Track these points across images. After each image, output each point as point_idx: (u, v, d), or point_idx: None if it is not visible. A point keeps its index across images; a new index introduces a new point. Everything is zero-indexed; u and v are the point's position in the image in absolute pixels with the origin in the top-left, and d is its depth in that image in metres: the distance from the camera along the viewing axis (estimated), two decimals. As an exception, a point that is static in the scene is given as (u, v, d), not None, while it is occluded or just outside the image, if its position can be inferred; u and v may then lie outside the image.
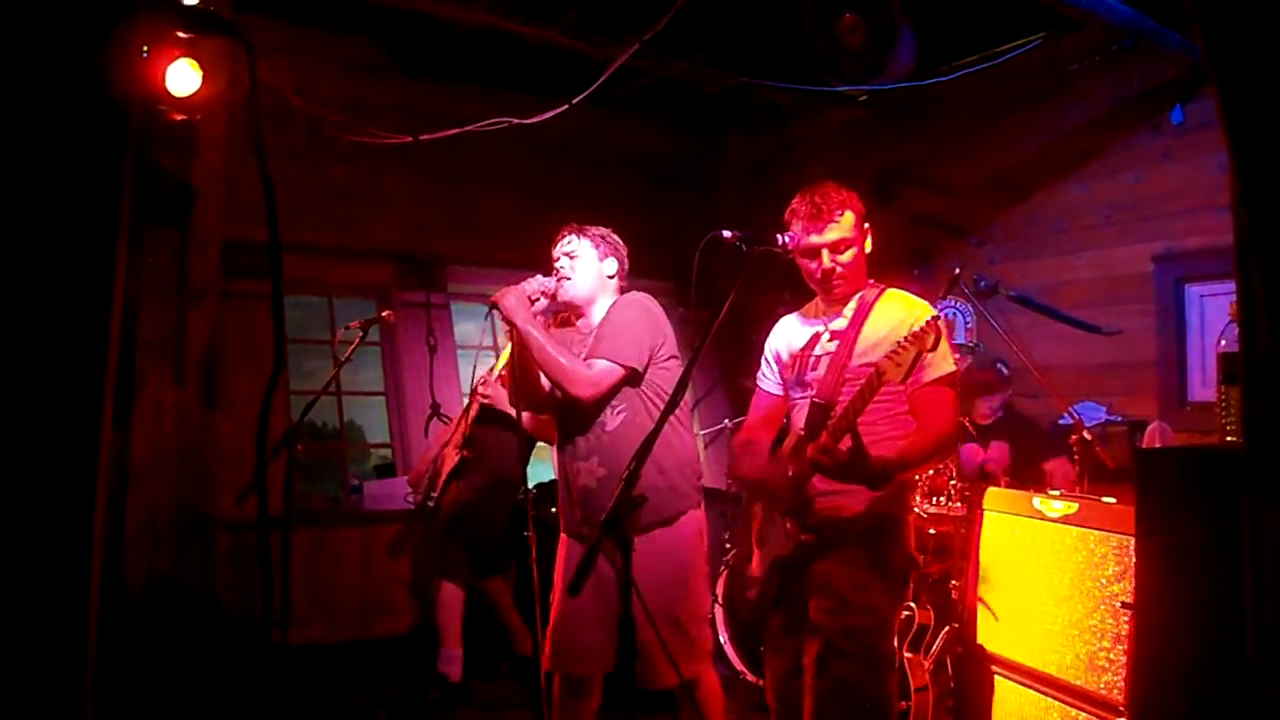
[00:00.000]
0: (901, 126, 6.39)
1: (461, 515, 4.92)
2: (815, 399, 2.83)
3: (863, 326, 2.84)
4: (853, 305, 2.90)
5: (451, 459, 5.03)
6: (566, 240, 3.56)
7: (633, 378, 3.24)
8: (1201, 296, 5.05)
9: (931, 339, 2.46)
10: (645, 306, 3.33)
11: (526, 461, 5.16)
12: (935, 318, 2.53)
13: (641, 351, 3.25)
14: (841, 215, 2.82)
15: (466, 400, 5.24)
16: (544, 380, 3.39)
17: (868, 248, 2.91)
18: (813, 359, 2.93)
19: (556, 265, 3.52)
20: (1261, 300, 0.92)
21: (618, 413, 3.26)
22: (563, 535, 3.45)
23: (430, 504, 5.06)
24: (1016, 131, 5.94)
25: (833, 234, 2.81)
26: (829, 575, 2.74)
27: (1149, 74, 5.19)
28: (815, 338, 2.95)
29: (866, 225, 2.90)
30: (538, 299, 3.35)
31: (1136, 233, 5.31)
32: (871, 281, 2.96)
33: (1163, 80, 5.11)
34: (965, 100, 5.91)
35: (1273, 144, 0.97)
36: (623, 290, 3.52)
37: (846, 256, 2.84)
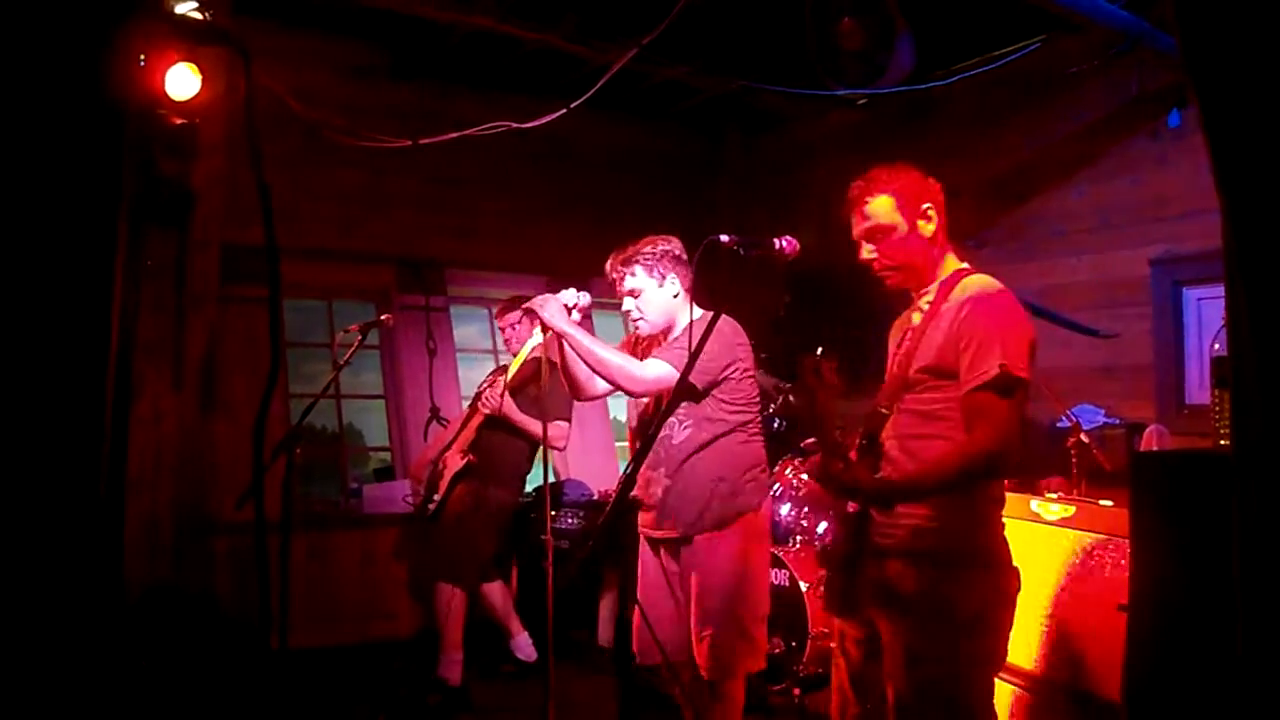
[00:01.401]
0: (900, 129, 6.39)
1: (465, 518, 4.92)
2: (877, 405, 2.63)
3: (932, 321, 2.56)
4: (931, 295, 2.62)
5: (455, 463, 5.04)
6: (620, 277, 3.52)
7: (690, 392, 3.27)
8: (1199, 299, 5.06)
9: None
10: (720, 327, 3.32)
11: (530, 466, 5.17)
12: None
13: (707, 371, 3.28)
14: (871, 201, 2.63)
15: (469, 405, 5.25)
16: (592, 383, 3.52)
17: (925, 230, 2.61)
18: (894, 359, 2.70)
19: (624, 310, 3.57)
20: (1245, 307, 0.93)
21: (684, 427, 3.39)
22: (641, 539, 3.61)
23: (432, 507, 5.07)
24: (1014, 135, 5.96)
25: (866, 223, 2.64)
26: (898, 624, 2.49)
27: (1147, 78, 5.21)
28: (903, 334, 2.71)
29: (926, 205, 2.62)
30: (573, 310, 3.40)
31: (1134, 236, 5.32)
32: (966, 266, 2.67)
33: (1161, 84, 5.13)
34: (964, 103, 5.92)
35: (1255, 161, 0.98)
36: (691, 291, 3.53)
37: (884, 240, 2.62)
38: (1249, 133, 0.98)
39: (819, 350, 2.48)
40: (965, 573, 2.46)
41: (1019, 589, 2.52)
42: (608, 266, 3.55)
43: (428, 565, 5.27)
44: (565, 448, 5.24)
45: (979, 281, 2.57)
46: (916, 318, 2.63)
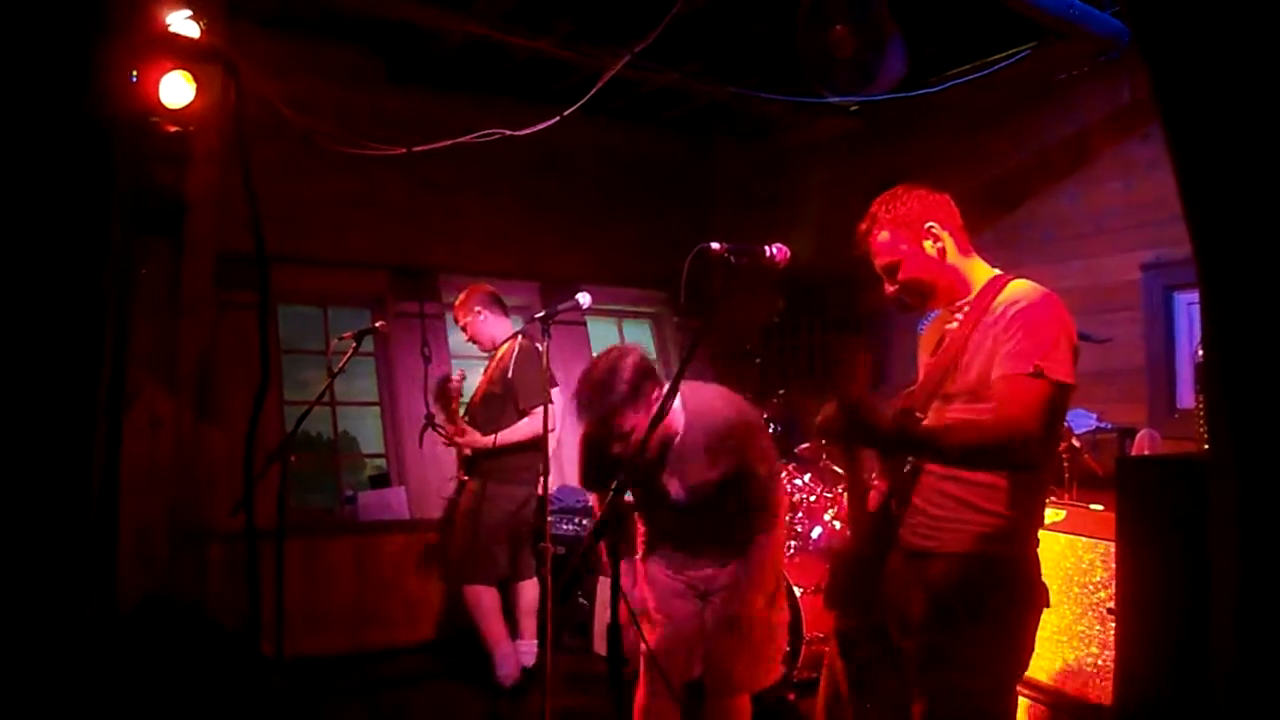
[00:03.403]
0: (892, 136, 6.42)
1: (477, 520, 4.89)
2: (912, 408, 2.56)
3: (974, 330, 2.49)
4: (969, 307, 2.55)
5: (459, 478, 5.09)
6: (617, 424, 3.23)
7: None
8: (1190, 304, 5.08)
9: None
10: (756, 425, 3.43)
11: (535, 452, 5.06)
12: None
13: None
14: (875, 239, 2.62)
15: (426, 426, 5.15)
16: None
17: (932, 250, 2.58)
18: (930, 365, 2.62)
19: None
20: (1211, 315, 0.95)
21: None
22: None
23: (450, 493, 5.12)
24: (1006, 141, 5.98)
25: (878, 260, 2.63)
26: (932, 629, 2.44)
27: (1138, 84, 5.23)
28: (939, 340, 2.64)
29: (929, 224, 2.57)
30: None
31: (1125, 241, 5.34)
32: (1000, 272, 2.61)
33: (1151, 90, 5.14)
34: (955, 110, 5.95)
35: (1215, 181, 1.00)
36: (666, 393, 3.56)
37: (900, 274, 2.60)
38: (1209, 137, 1.00)
39: (862, 349, 2.48)
40: (1003, 581, 2.44)
41: (1048, 604, 2.52)
42: (589, 415, 3.24)
43: (451, 572, 5.25)
44: (556, 427, 5.08)
45: (1021, 288, 2.51)
46: (954, 324, 2.58)
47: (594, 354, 7.26)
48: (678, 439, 3.25)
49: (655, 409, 2.85)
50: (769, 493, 3.29)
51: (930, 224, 2.58)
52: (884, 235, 2.60)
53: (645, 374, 3.16)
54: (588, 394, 3.17)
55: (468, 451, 5.00)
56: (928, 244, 2.58)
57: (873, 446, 2.54)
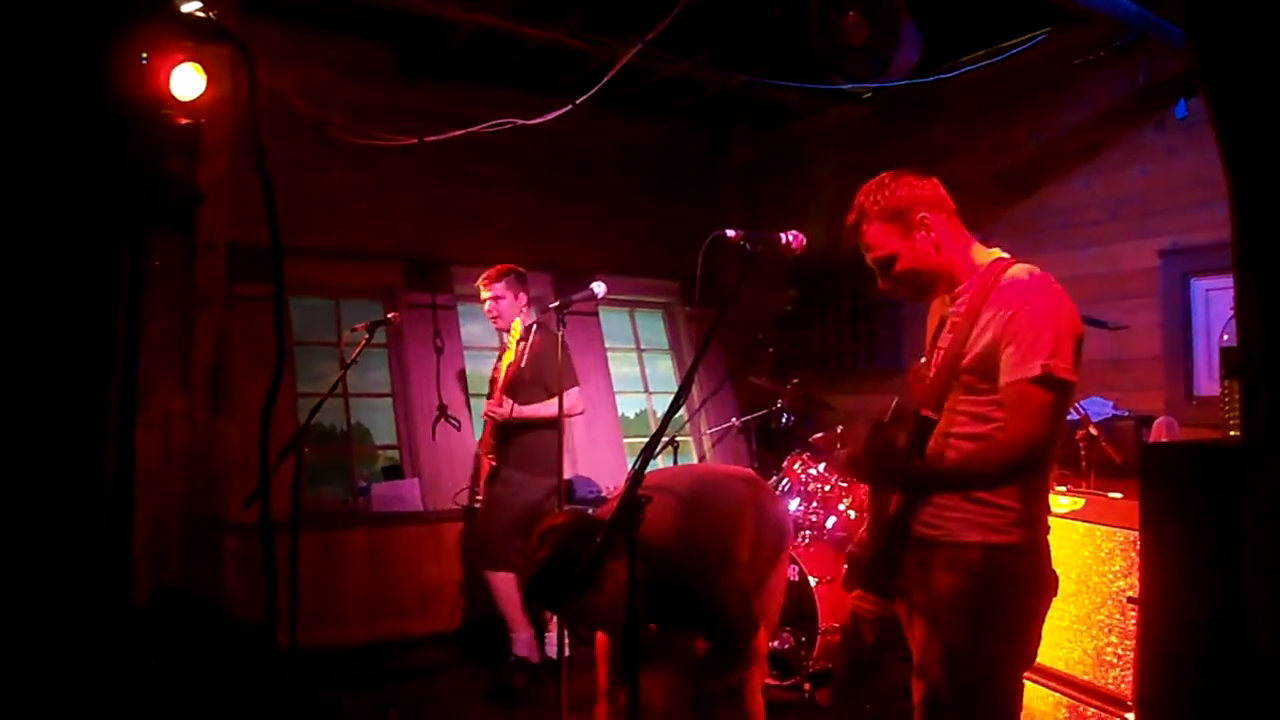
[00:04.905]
0: (906, 123, 6.38)
1: (504, 506, 4.98)
2: (921, 411, 2.48)
3: (977, 317, 2.41)
4: (969, 292, 2.48)
5: (486, 465, 5.15)
6: None
7: None
8: (1208, 290, 5.04)
9: None
10: None
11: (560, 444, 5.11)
12: None
13: None
14: (865, 232, 2.54)
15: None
16: None
17: (925, 239, 2.50)
18: (935, 353, 2.55)
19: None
20: (1255, 300, 0.92)
21: None
22: None
23: (477, 504, 5.24)
24: (1021, 128, 5.94)
25: (869, 254, 2.57)
26: (939, 620, 2.42)
27: (1153, 68, 5.19)
28: (939, 325, 2.58)
29: (921, 215, 2.49)
30: None
31: (1142, 228, 5.31)
32: (1001, 255, 2.53)
33: (1167, 75, 5.11)
34: (969, 96, 5.91)
35: (1263, 159, 0.98)
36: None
37: (895, 267, 2.53)
38: (1258, 123, 0.98)
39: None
40: (1008, 570, 2.39)
41: (1056, 593, 2.48)
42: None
43: (475, 556, 5.37)
44: (584, 410, 5.37)
45: (1019, 275, 2.44)
46: (953, 311, 2.52)
47: (606, 344, 7.28)
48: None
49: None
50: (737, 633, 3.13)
51: (921, 213, 2.50)
52: (874, 228, 2.53)
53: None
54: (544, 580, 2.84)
55: (491, 459, 5.09)
56: (920, 234, 2.50)
57: (899, 488, 2.51)
